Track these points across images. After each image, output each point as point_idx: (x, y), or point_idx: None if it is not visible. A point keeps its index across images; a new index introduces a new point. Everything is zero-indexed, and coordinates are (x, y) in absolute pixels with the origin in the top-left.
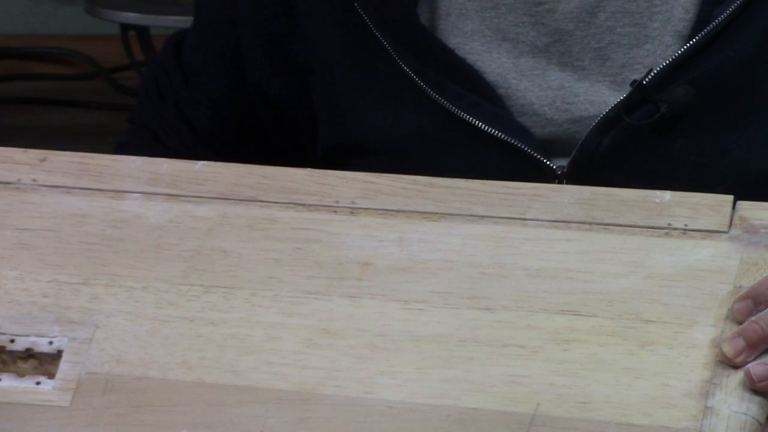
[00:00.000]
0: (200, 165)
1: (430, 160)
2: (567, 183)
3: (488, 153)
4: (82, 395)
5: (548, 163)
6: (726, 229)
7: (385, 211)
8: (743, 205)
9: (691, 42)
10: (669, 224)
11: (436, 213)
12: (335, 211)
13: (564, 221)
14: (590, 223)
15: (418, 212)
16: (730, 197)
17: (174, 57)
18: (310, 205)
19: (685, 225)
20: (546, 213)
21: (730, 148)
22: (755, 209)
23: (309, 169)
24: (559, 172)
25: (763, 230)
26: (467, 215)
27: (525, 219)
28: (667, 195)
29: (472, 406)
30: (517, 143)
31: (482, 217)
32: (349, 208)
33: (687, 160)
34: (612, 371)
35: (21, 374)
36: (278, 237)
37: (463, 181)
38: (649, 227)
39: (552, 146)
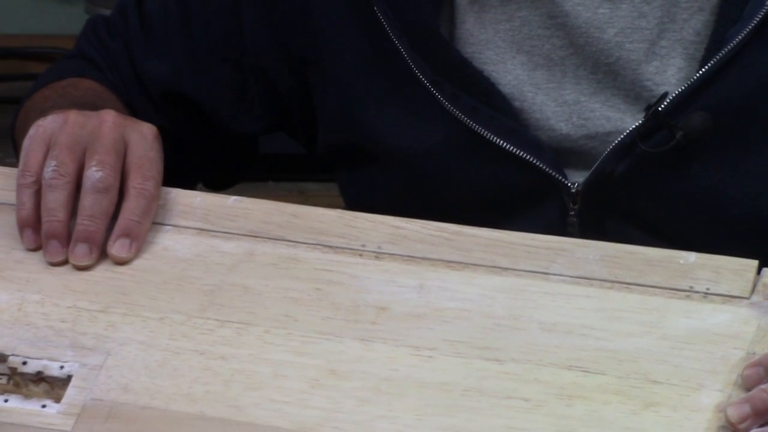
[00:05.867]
0: (233, 200)
1: (444, 171)
2: (581, 202)
3: (503, 167)
4: (84, 421)
5: (563, 179)
6: (747, 295)
7: (410, 258)
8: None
9: (706, 67)
10: (691, 287)
11: (460, 263)
12: (361, 255)
13: (586, 278)
14: (612, 282)
15: (443, 260)
16: (755, 262)
17: (136, 4)
18: (337, 247)
19: (707, 289)
20: (569, 269)
21: (744, 172)
22: None
23: (339, 210)
24: (573, 190)
25: None
26: (490, 266)
27: (548, 273)
28: (692, 257)
29: None
30: (532, 159)
31: (505, 269)
32: (374, 252)
33: (701, 185)
34: (612, 430)
35: (28, 396)
36: (300, 277)
37: (489, 231)
38: (670, 288)
39: (567, 161)
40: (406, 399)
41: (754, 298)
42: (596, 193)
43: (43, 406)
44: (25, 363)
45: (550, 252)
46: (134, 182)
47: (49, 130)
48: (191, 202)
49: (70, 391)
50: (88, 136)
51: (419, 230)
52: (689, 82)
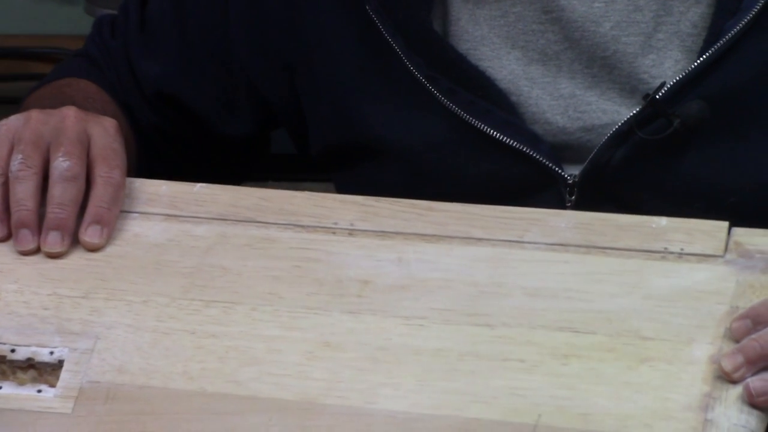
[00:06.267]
0: (199, 187)
1: (442, 166)
2: (578, 193)
3: (500, 160)
4: (83, 403)
5: (559, 171)
6: (722, 254)
7: (383, 233)
8: (738, 231)
9: (704, 56)
10: (665, 248)
11: (435, 235)
12: (334, 233)
13: (561, 244)
14: (588, 247)
15: (417, 234)
16: (726, 223)
17: (140, 3)
18: (309, 226)
19: (681, 249)
20: (544, 236)
21: (741, 161)
22: (750, 235)
23: (308, 192)
24: (570, 181)
25: (758, 255)
26: (465, 238)
27: (523, 242)
28: (663, 221)
29: (474, 416)
30: (529, 151)
31: (480, 239)
32: (347, 229)
33: (698, 173)
34: (612, 385)
35: (21, 384)
36: (277, 255)
37: (461, 205)
38: (645, 251)
39: (564, 154)
40: (405, 366)
41: (729, 256)
42: (593, 182)
43: (39, 391)
44: (13, 350)
45: (523, 222)
46: (100, 171)
47: (12, 128)
48: (157, 191)
49: (65, 375)
50: (52, 131)
51: (390, 207)
52: (687, 71)
